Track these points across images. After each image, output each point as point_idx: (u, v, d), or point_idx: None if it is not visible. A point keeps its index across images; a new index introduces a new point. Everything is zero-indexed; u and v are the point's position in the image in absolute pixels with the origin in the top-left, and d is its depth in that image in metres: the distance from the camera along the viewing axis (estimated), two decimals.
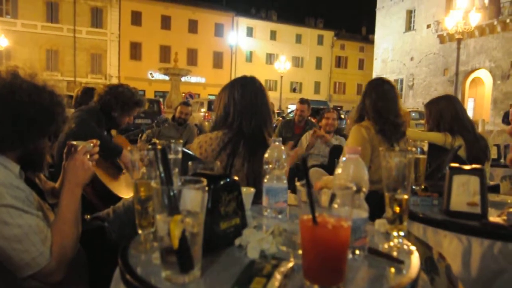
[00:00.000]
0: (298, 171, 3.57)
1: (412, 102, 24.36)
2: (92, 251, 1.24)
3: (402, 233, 0.92)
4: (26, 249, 0.99)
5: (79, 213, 1.17)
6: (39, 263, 1.00)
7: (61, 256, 1.05)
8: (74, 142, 1.26)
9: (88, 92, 3.32)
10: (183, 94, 14.62)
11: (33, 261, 1.00)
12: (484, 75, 21.80)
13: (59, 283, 1.08)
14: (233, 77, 2.26)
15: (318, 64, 40.55)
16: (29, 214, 1.02)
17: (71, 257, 1.10)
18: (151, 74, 31.85)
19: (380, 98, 2.12)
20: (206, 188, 0.73)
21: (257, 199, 1.24)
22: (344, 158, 0.92)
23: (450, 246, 1.28)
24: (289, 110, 20.03)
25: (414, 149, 1.52)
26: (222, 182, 0.90)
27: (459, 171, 1.38)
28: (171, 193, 0.70)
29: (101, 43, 31.13)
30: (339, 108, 20.34)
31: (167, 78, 11.86)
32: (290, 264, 0.75)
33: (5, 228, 0.98)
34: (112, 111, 2.38)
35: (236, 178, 0.95)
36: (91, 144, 1.28)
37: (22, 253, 0.99)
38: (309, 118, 4.88)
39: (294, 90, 37.63)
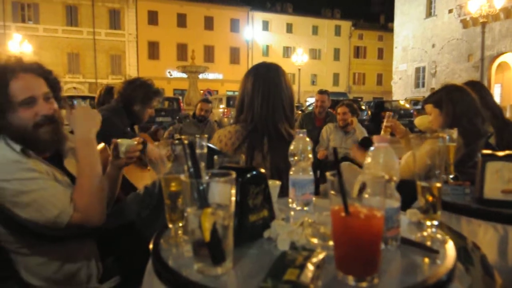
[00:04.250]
0: (319, 166, 3.53)
1: None
2: (122, 244, 1.27)
3: (435, 223, 0.89)
4: (48, 209, 1.08)
5: (99, 167, 1.21)
6: (63, 220, 1.10)
7: (86, 207, 1.13)
8: (119, 141, 1.32)
9: (110, 91, 3.40)
10: (202, 91, 14.71)
11: (58, 218, 1.09)
12: (511, 59, 20.91)
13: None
14: None
15: (336, 55, 39.94)
16: (39, 179, 1.10)
17: (102, 204, 1.17)
18: (169, 72, 32.20)
19: None
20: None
21: (282, 193, 1.23)
22: (373, 148, 0.90)
23: (485, 235, 1.24)
24: (307, 103, 19.81)
25: (445, 136, 1.47)
26: (249, 175, 0.89)
27: (493, 157, 1.32)
28: (201, 187, 0.70)
29: (119, 44, 31.71)
30: (359, 99, 19.98)
31: (185, 76, 11.96)
32: (322, 255, 0.74)
33: (23, 196, 1.07)
34: (134, 105, 2.44)
35: (262, 170, 0.95)
36: (135, 142, 1.35)
37: (46, 213, 1.08)
38: (329, 110, 4.78)
39: (312, 82, 37.25)
